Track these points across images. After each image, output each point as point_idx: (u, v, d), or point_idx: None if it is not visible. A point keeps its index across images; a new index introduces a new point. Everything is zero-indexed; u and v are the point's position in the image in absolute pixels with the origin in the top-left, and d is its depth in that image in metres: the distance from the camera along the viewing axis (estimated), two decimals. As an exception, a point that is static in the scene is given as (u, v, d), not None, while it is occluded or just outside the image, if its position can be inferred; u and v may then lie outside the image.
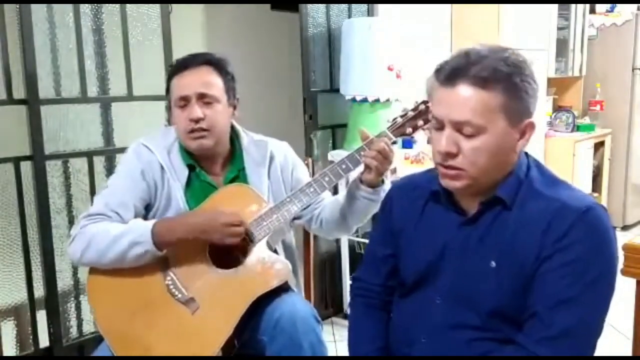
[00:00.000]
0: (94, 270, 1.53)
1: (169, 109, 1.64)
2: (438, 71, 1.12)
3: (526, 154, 1.21)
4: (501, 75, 1.07)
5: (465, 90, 1.07)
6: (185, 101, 1.55)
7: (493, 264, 1.14)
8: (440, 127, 1.13)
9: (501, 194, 1.15)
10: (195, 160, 1.62)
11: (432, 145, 1.17)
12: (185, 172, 1.60)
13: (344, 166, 1.54)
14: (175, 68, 1.59)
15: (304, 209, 1.64)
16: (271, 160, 1.67)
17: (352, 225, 1.66)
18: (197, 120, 1.54)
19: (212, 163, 1.64)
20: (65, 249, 1.55)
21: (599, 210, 1.11)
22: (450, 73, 1.09)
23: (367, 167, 1.52)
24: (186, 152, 1.62)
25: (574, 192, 1.16)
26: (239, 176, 1.64)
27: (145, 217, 1.59)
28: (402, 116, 1.55)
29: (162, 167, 1.58)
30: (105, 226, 1.49)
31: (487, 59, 1.07)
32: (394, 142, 1.55)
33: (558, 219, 1.09)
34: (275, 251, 1.59)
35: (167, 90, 1.62)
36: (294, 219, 1.70)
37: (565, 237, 1.08)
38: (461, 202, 1.22)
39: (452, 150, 1.11)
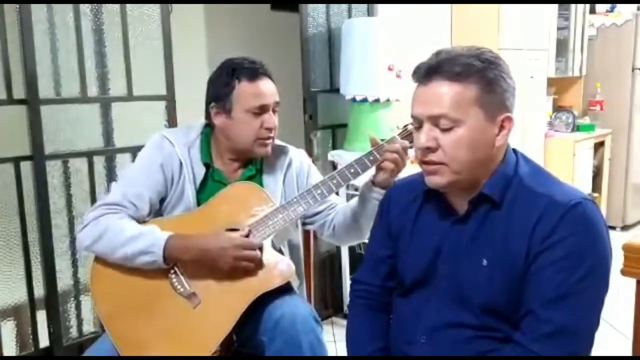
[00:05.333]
0: (98, 259, 1.54)
1: (213, 106, 1.59)
2: (414, 73, 1.16)
3: (514, 150, 1.22)
4: (474, 69, 1.10)
5: (440, 85, 1.11)
6: (263, 110, 1.57)
7: (485, 262, 1.14)
8: (419, 125, 1.16)
9: (487, 191, 1.16)
10: (213, 160, 1.64)
11: (414, 143, 1.20)
12: (202, 170, 1.62)
13: (352, 170, 1.55)
14: (248, 72, 1.57)
15: (317, 214, 1.66)
16: (289, 167, 1.69)
17: (365, 230, 1.64)
18: (272, 129, 1.59)
19: (233, 163, 1.65)
20: (76, 233, 1.55)
21: (587, 204, 1.11)
22: (425, 72, 1.13)
23: (381, 169, 1.53)
24: (207, 151, 1.63)
25: (563, 187, 1.16)
26: (256, 177, 1.65)
27: (159, 210, 1.61)
28: (412, 123, 1.56)
29: (180, 163, 1.59)
30: (121, 223, 1.50)
31: (459, 56, 1.12)
32: (411, 147, 1.55)
33: (547, 215, 1.10)
34: (280, 251, 1.60)
35: (220, 92, 1.57)
36: (305, 223, 1.71)
37: (555, 233, 1.08)
38: (452, 201, 1.22)
39: (432, 145, 1.13)
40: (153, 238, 1.47)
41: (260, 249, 1.49)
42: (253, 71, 1.58)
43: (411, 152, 2.88)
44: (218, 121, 1.60)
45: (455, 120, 1.11)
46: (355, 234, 1.67)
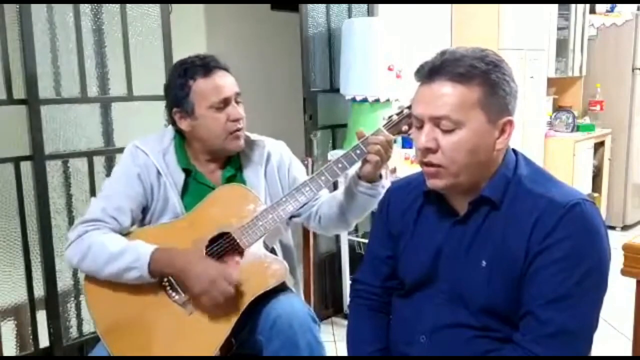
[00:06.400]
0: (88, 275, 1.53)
1: (175, 112, 1.57)
2: (417, 71, 1.15)
3: (514, 151, 1.21)
4: (478, 71, 1.09)
5: (443, 86, 1.10)
6: (225, 103, 1.55)
7: (484, 263, 1.14)
8: (420, 125, 1.14)
9: (487, 193, 1.15)
10: (192, 163, 1.62)
11: (414, 144, 1.18)
12: (181, 175, 1.60)
13: (340, 165, 1.53)
14: (201, 69, 1.54)
15: (302, 206, 1.64)
16: (268, 160, 1.67)
17: (352, 221, 1.66)
18: (239, 120, 1.56)
19: (210, 163, 1.63)
20: (64, 250, 1.54)
21: (586, 205, 1.10)
22: (428, 71, 1.12)
23: (366, 162, 1.52)
24: (182, 155, 1.61)
25: (563, 188, 1.16)
26: (236, 175, 1.64)
27: (142, 220, 1.59)
28: (398, 114, 1.55)
29: (158, 171, 1.57)
30: (104, 239, 1.48)
31: (464, 57, 1.10)
32: (395, 141, 1.55)
33: (545, 216, 1.10)
34: (272, 251, 1.59)
35: (178, 95, 1.55)
36: (292, 217, 1.69)
37: (554, 234, 1.08)
38: (452, 202, 1.22)
39: (431, 146, 1.12)
40: (137, 253, 1.45)
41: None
42: (206, 67, 1.55)
43: (410, 153, 2.90)
44: (184, 125, 1.57)
45: (457, 122, 1.10)
46: (342, 225, 1.67)
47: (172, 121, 1.61)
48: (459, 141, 1.10)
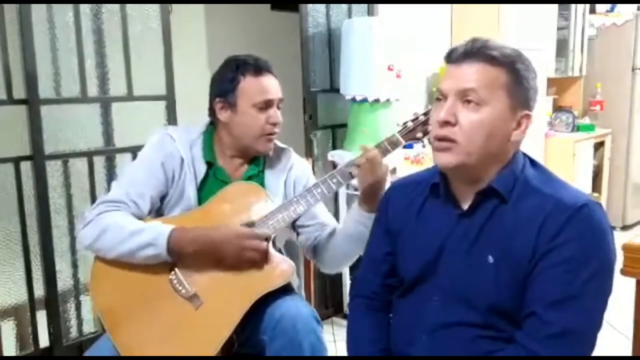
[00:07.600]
0: (98, 262, 1.53)
1: (218, 102, 1.59)
2: (448, 55, 1.18)
3: (523, 153, 1.23)
4: (507, 59, 1.14)
5: (473, 65, 1.14)
6: (268, 104, 1.58)
7: (491, 259, 1.15)
8: (444, 98, 1.16)
9: (497, 186, 1.16)
10: (216, 158, 1.64)
11: (431, 118, 1.20)
12: (203, 168, 1.62)
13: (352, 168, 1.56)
14: (253, 68, 1.58)
15: (307, 226, 1.66)
16: (290, 169, 1.70)
17: (350, 253, 1.64)
18: (277, 124, 1.60)
19: (235, 159, 1.65)
20: (77, 232, 1.54)
21: (594, 207, 1.11)
22: (460, 54, 1.15)
23: (361, 194, 1.55)
24: (209, 149, 1.63)
25: (569, 189, 1.16)
26: (258, 176, 1.66)
27: (159, 208, 1.61)
28: (412, 120, 1.57)
29: (182, 160, 1.60)
30: (122, 219, 1.49)
31: (494, 45, 1.15)
32: (404, 146, 1.59)
33: (553, 216, 1.10)
34: (279, 251, 1.60)
35: (225, 87, 1.58)
36: (297, 234, 1.70)
37: (561, 234, 1.09)
38: (457, 193, 1.22)
39: (451, 120, 1.14)
40: (156, 232, 1.46)
41: (267, 239, 1.49)
42: (257, 67, 1.59)
43: (410, 153, 2.90)
44: (223, 116, 1.60)
45: (482, 99, 1.12)
46: (344, 260, 1.67)
47: (211, 111, 1.64)
48: (479, 120, 1.12)
